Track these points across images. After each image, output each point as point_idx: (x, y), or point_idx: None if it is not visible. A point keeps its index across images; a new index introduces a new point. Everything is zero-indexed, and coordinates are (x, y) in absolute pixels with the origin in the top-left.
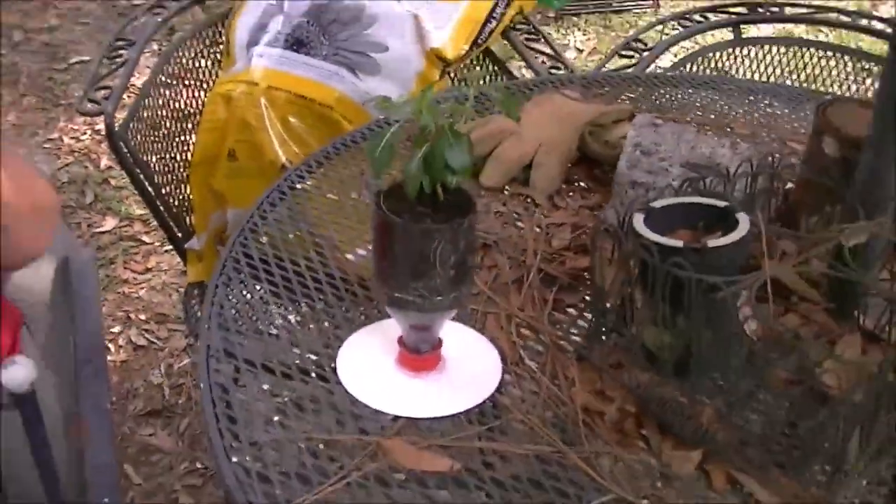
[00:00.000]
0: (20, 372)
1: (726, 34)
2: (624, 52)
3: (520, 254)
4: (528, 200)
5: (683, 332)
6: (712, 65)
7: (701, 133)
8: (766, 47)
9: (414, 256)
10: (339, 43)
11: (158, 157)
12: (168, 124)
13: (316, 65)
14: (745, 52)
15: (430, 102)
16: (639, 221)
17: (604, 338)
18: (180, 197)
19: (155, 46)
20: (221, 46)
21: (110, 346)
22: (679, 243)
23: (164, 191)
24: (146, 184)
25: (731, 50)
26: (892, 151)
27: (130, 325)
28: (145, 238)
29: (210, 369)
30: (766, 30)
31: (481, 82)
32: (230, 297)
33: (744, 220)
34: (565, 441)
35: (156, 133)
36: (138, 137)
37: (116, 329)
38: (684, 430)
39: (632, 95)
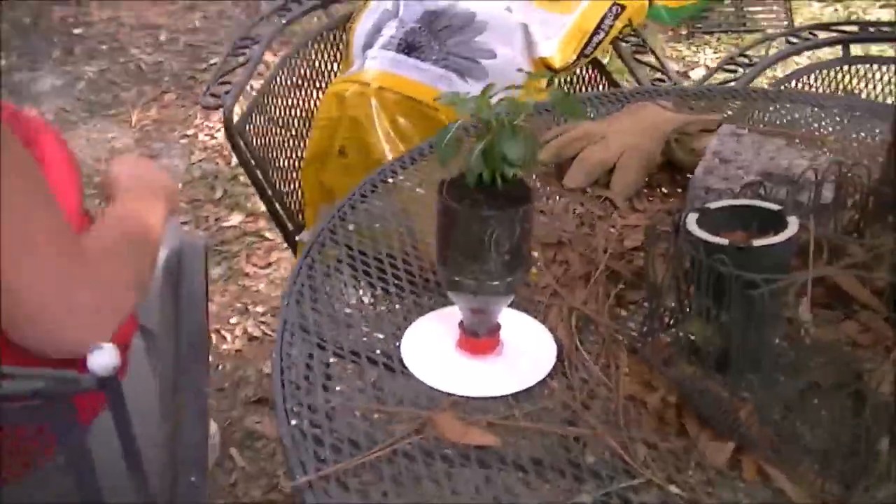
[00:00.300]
0: (104, 357)
1: (836, 52)
2: (728, 67)
3: (591, 252)
4: (608, 202)
5: (725, 327)
6: (819, 82)
7: (783, 145)
8: (875, 66)
9: (470, 241)
10: (448, 48)
11: (275, 152)
12: (287, 121)
13: (425, 68)
14: (853, 70)
15: (486, 99)
16: (692, 221)
17: (655, 332)
18: (294, 191)
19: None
20: (342, 48)
21: (227, 335)
22: (724, 241)
23: (278, 185)
24: (259, 176)
25: (838, 68)
26: None
27: (248, 317)
28: (268, 234)
29: (283, 341)
30: (875, 49)
31: (587, 90)
32: (312, 279)
33: (793, 223)
34: (606, 426)
35: (274, 129)
36: (257, 132)
37: (234, 320)
38: (722, 424)
39: (728, 109)
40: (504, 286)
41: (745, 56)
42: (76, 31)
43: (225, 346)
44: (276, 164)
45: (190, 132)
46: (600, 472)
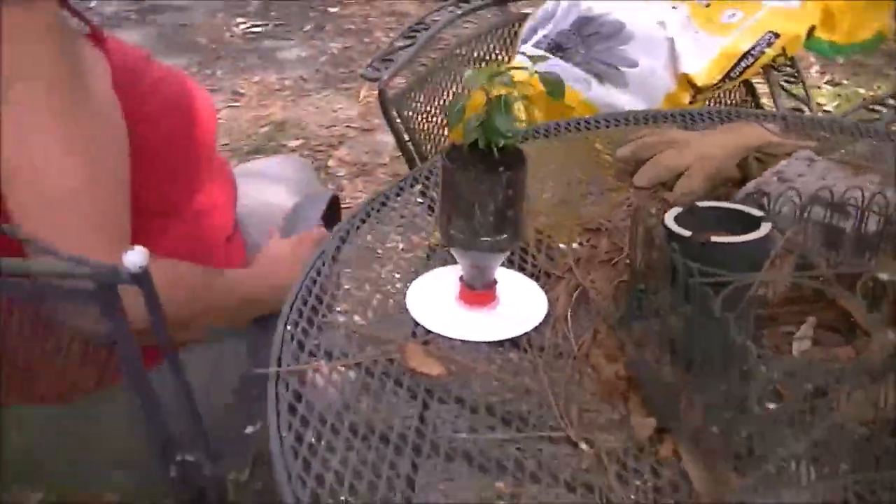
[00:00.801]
0: (136, 256)
1: None
2: (874, 107)
3: (622, 241)
4: (665, 203)
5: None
6: None
7: (853, 175)
8: None
9: (461, 200)
10: (593, 53)
11: (430, 130)
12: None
13: (567, 69)
14: None
15: (496, 76)
16: (672, 214)
17: (629, 312)
18: None
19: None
20: (510, 44)
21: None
22: (687, 233)
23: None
24: (411, 149)
25: None
26: None
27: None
28: None
29: (314, 266)
30: None
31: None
32: (367, 222)
33: (764, 228)
34: (555, 384)
35: (431, 108)
36: (415, 109)
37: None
38: (660, 407)
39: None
40: (491, 244)
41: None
42: (332, 9)
43: None
44: (429, 141)
45: None
46: (528, 420)
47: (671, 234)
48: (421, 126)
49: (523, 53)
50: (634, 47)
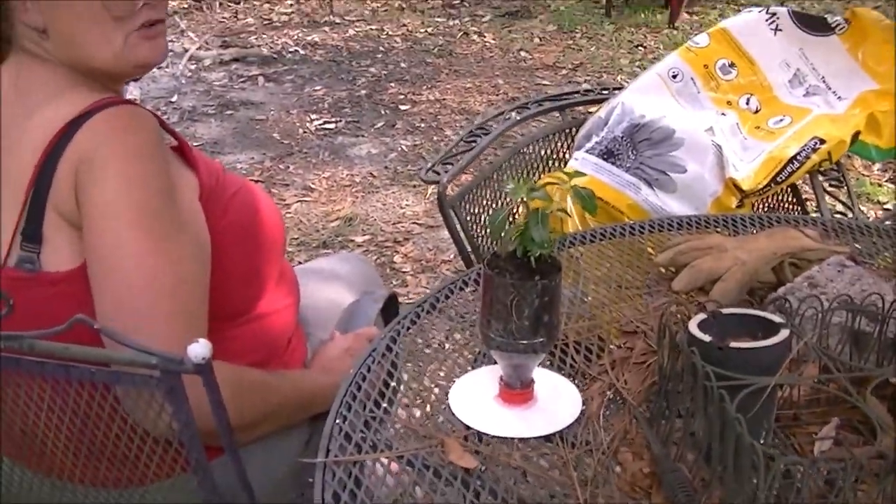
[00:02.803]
0: (200, 349)
1: None
2: None
3: (655, 344)
4: (702, 307)
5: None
6: None
7: (884, 280)
8: None
9: (498, 304)
10: (643, 159)
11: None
12: (500, 206)
13: (618, 174)
14: None
15: (533, 191)
16: (696, 320)
17: (659, 413)
18: None
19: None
20: (568, 148)
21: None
22: (707, 338)
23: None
24: (468, 249)
25: None
26: None
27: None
28: None
29: (370, 358)
30: None
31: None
32: (417, 323)
33: (782, 334)
34: (583, 479)
35: (487, 210)
36: (472, 210)
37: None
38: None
39: (878, 247)
40: (526, 346)
41: None
42: (403, 107)
43: None
44: (487, 243)
45: None
46: None
47: (693, 339)
48: (483, 225)
49: (575, 159)
50: (683, 153)
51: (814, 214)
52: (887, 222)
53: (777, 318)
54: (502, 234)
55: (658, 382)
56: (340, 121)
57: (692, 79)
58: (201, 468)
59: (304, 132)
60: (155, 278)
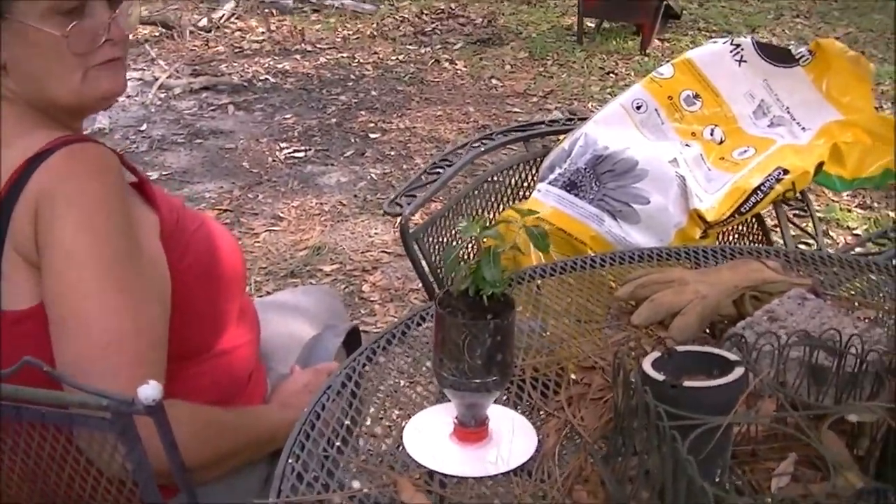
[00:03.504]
0: (150, 391)
1: None
2: (878, 241)
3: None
4: (662, 342)
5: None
6: None
7: (847, 316)
8: None
9: (450, 343)
10: (606, 190)
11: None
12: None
13: (582, 206)
14: None
15: (485, 230)
16: (650, 358)
17: (613, 453)
18: None
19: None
20: (533, 178)
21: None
22: (661, 377)
23: None
24: (430, 280)
25: None
26: None
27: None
28: None
29: (326, 393)
30: None
31: (742, 242)
32: (373, 360)
33: (737, 371)
34: None
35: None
36: (433, 243)
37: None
38: None
39: (842, 278)
40: (480, 385)
41: None
42: (373, 135)
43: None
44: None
45: None
46: None
47: (646, 378)
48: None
49: (538, 191)
50: (647, 185)
51: (779, 243)
52: (858, 249)
53: (732, 356)
54: (454, 273)
55: (613, 420)
56: (310, 149)
57: (656, 110)
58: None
59: (274, 161)
60: (115, 326)
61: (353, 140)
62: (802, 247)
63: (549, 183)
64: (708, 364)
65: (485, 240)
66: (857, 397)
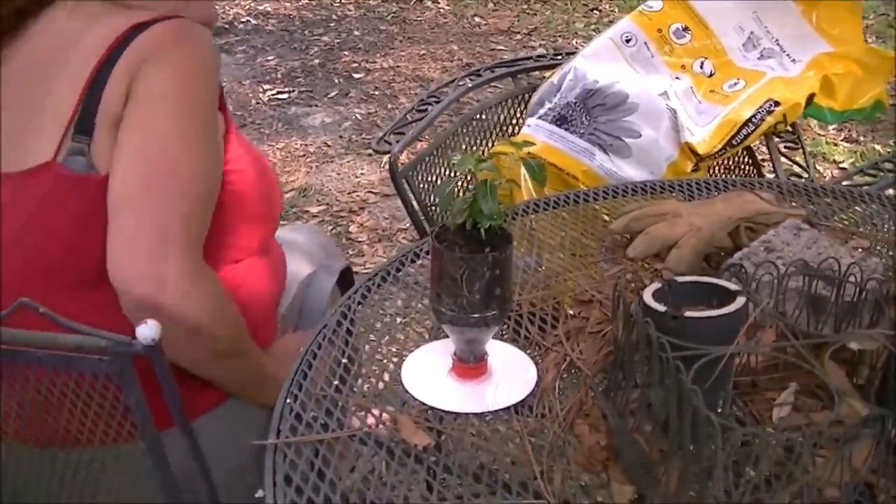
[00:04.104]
0: (149, 331)
1: None
2: (870, 171)
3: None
4: (658, 274)
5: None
6: None
7: (842, 246)
8: None
9: (448, 278)
10: (597, 124)
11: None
12: (453, 173)
13: (573, 140)
14: None
15: (481, 162)
16: (650, 290)
17: (613, 385)
18: None
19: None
20: (521, 116)
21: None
22: (662, 308)
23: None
24: (421, 218)
25: None
26: None
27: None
28: None
29: (319, 336)
30: None
31: (734, 174)
32: (368, 297)
33: (739, 301)
34: (538, 452)
35: (439, 179)
36: (424, 180)
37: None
38: (637, 474)
39: (836, 208)
40: (478, 320)
41: (892, 162)
42: (357, 75)
43: None
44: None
45: None
46: (511, 487)
47: (648, 309)
48: (430, 198)
49: (528, 126)
50: (638, 118)
51: (770, 177)
52: (844, 183)
53: (732, 286)
54: (450, 207)
55: (613, 353)
56: (294, 91)
57: (646, 43)
58: (151, 436)
59: (258, 103)
60: (174, 167)
61: (336, 81)
62: (794, 179)
63: (540, 118)
64: (707, 294)
65: (480, 173)
66: (857, 326)
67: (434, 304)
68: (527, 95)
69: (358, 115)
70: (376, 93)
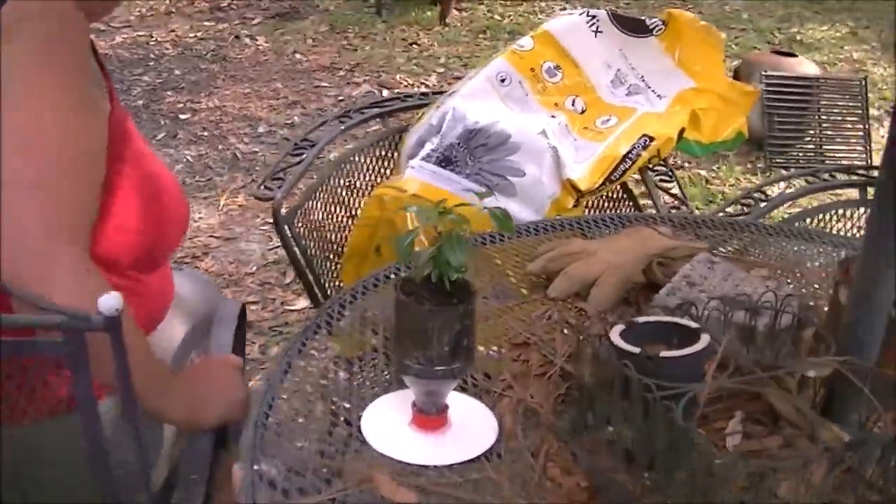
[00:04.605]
0: (111, 301)
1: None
2: (743, 202)
3: (552, 354)
4: (583, 313)
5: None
6: (835, 222)
7: (754, 275)
8: None
9: (416, 331)
10: (481, 164)
11: (322, 243)
12: (335, 217)
13: (458, 181)
14: (868, 213)
15: (444, 214)
16: (616, 331)
17: (580, 426)
18: (337, 282)
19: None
20: (394, 157)
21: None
22: (636, 350)
23: (322, 275)
24: (303, 265)
25: (855, 209)
26: (874, 298)
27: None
28: None
29: (266, 397)
30: None
31: (613, 210)
32: (307, 347)
33: (704, 339)
34: (522, 500)
35: (324, 223)
36: (306, 225)
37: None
38: None
39: (725, 238)
40: (445, 372)
41: (762, 192)
42: (183, 116)
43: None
44: (328, 255)
45: (271, 220)
46: None
47: (622, 352)
48: (316, 239)
49: (412, 167)
50: (521, 157)
51: (648, 211)
52: (728, 209)
53: (692, 324)
54: (412, 258)
55: (579, 394)
56: None
57: (520, 82)
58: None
59: None
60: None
61: (162, 122)
62: (675, 212)
63: (423, 159)
64: (663, 333)
65: (444, 224)
66: (778, 352)
67: (399, 358)
68: (396, 136)
69: (189, 158)
70: (205, 133)
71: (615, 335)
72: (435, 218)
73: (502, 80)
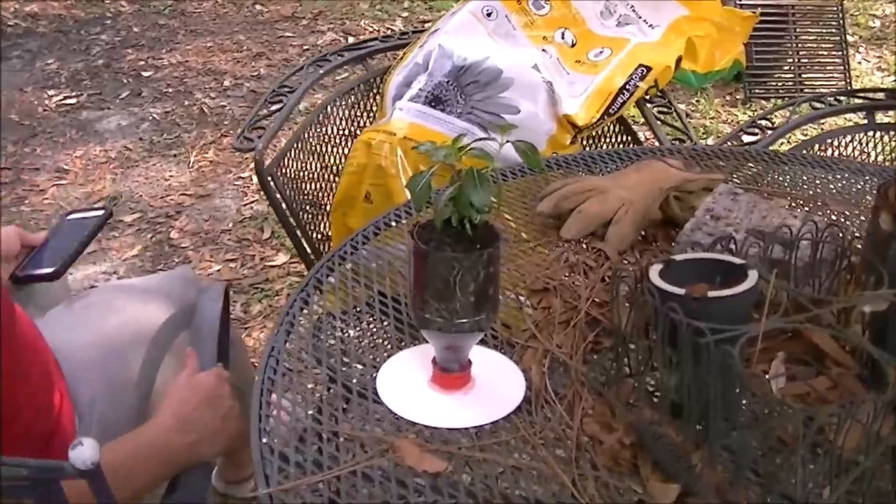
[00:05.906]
0: (85, 452)
1: (860, 119)
2: (750, 130)
3: (575, 299)
4: (601, 254)
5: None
6: (843, 148)
7: (777, 205)
8: None
9: (437, 281)
10: (473, 103)
11: (305, 194)
12: (319, 166)
13: (450, 121)
14: (876, 136)
15: (461, 149)
16: (654, 271)
17: (618, 376)
18: (322, 232)
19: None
20: (377, 99)
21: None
22: (681, 291)
23: (309, 226)
24: (289, 216)
25: (862, 134)
26: None
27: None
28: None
29: (268, 365)
30: None
31: (611, 145)
32: (306, 310)
33: (752, 277)
34: (561, 462)
35: (306, 173)
36: (289, 175)
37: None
38: (673, 468)
39: (740, 169)
40: (471, 325)
41: (768, 119)
42: (145, 73)
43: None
44: (307, 207)
45: (245, 174)
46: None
47: (665, 294)
48: (300, 190)
49: (400, 109)
50: (514, 93)
51: (649, 144)
52: (728, 143)
53: (736, 260)
54: (429, 201)
55: (615, 343)
56: (82, 94)
57: (507, 16)
58: None
59: (45, 110)
60: None
61: (125, 81)
62: (678, 144)
63: (411, 100)
64: (704, 271)
65: (463, 161)
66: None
67: (418, 312)
68: (378, 78)
69: (155, 115)
70: (169, 90)
71: (654, 275)
72: (454, 155)
73: (488, 14)
